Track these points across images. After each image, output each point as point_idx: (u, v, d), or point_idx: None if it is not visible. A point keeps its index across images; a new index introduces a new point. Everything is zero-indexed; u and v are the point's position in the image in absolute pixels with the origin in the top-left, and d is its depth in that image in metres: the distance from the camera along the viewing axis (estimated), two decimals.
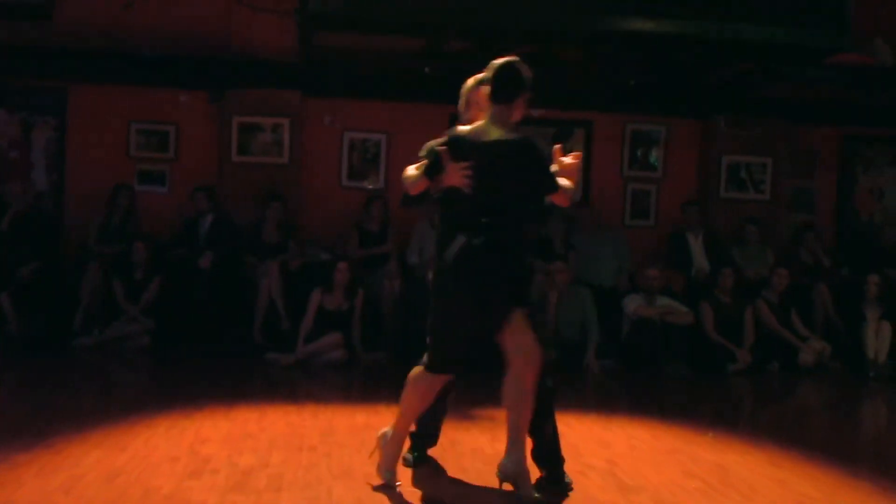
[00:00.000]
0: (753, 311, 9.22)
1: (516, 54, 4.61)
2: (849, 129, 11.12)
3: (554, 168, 4.57)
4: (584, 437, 5.92)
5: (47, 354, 8.41)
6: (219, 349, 8.75)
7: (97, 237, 9.39)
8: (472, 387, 7.63)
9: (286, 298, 8.96)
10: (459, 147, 4.47)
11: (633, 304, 9.03)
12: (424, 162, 4.59)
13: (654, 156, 10.78)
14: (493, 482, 4.81)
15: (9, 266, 8.95)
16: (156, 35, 9.67)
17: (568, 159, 4.66)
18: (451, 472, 4.99)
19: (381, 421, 5.66)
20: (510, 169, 4.43)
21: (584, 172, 10.65)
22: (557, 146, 4.78)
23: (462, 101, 4.87)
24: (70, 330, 8.80)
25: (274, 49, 9.72)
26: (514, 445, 4.45)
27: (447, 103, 10.34)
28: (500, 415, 6.40)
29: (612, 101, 10.47)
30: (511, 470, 4.44)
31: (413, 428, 4.90)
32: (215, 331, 9.04)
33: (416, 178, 4.59)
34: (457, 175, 4.42)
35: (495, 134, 4.45)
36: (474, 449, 5.49)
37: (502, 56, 4.61)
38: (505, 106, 4.49)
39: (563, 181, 4.55)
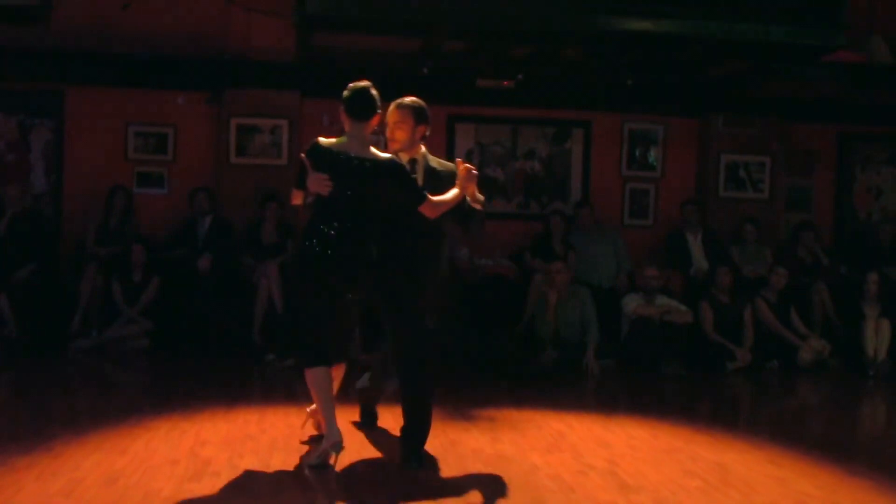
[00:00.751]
0: (753, 310, 9.23)
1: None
2: (846, 128, 11.12)
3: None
4: (584, 437, 5.93)
5: (45, 357, 8.40)
6: (218, 351, 8.75)
7: (95, 239, 9.38)
8: (472, 387, 7.66)
9: (285, 299, 8.96)
10: (320, 157, 4.99)
11: (632, 303, 9.03)
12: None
13: (653, 155, 10.79)
14: (496, 481, 4.82)
15: (7, 268, 8.94)
16: (153, 36, 9.66)
17: (461, 169, 5.13)
18: (452, 472, 5.00)
19: (381, 420, 5.67)
20: (375, 185, 4.98)
21: (583, 172, 10.69)
22: (459, 159, 5.30)
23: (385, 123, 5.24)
24: (68, 332, 8.79)
25: (272, 50, 9.72)
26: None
27: (445, 104, 10.46)
28: (501, 415, 6.45)
29: (609, 100, 10.47)
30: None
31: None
32: (214, 332, 9.04)
33: (293, 191, 5.13)
34: (316, 182, 4.93)
35: (358, 149, 4.99)
36: (475, 449, 5.49)
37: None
38: (363, 123, 5.03)
39: (454, 191, 5.10)
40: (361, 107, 5.04)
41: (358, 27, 8.66)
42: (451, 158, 10.34)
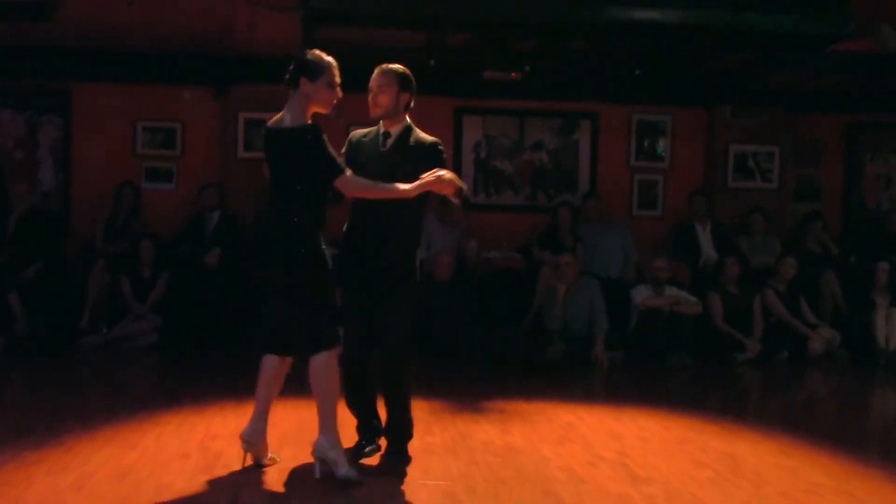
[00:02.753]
0: (762, 301, 9.21)
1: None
2: (855, 117, 11.08)
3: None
4: (594, 429, 5.92)
5: (55, 353, 8.42)
6: (227, 345, 8.77)
7: (103, 236, 9.39)
8: (481, 380, 7.66)
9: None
10: (265, 137, 4.78)
11: (640, 294, 9.01)
12: None
13: (661, 146, 10.76)
14: (505, 475, 4.82)
15: (16, 266, 8.97)
16: (159, 33, 9.67)
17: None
18: (463, 464, 5.00)
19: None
20: (292, 155, 4.65)
21: (591, 163, 10.67)
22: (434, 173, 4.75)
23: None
24: (78, 329, 8.82)
25: (277, 44, 9.68)
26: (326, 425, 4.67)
27: (451, 96, 10.43)
28: (510, 407, 6.44)
29: (617, 91, 10.44)
30: (322, 448, 4.63)
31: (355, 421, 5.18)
32: (223, 327, 9.06)
33: None
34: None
35: (285, 121, 4.70)
36: (485, 441, 5.49)
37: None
38: (293, 91, 4.69)
39: (405, 186, 4.68)
40: (290, 73, 4.71)
41: (363, 21, 8.66)
42: (458, 151, 10.47)
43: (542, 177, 10.63)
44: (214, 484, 4.52)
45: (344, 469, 4.57)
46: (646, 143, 10.75)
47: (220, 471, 4.74)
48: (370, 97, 4.96)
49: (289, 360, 4.98)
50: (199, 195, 9.67)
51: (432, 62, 9.32)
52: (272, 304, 4.88)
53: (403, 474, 4.78)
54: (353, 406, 5.19)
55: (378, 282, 4.89)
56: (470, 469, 4.91)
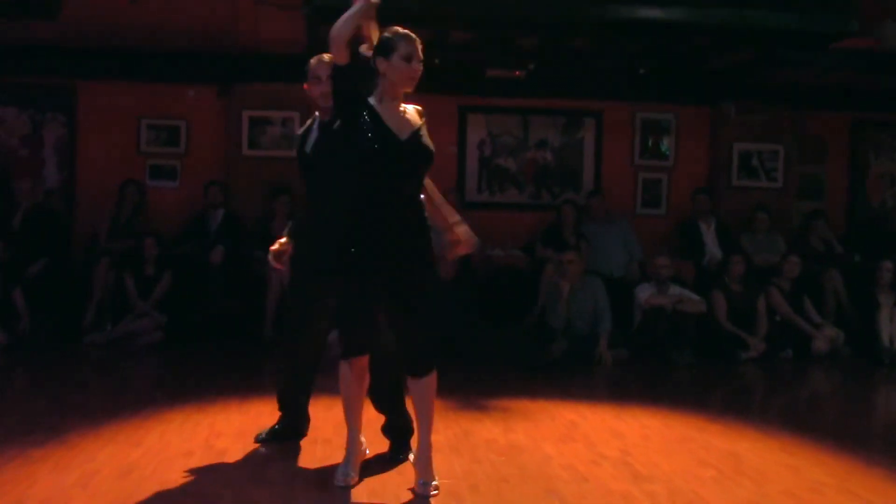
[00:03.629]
0: (766, 299, 9.20)
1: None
2: (859, 115, 11.06)
3: None
4: (596, 428, 5.92)
5: (59, 351, 8.44)
6: (230, 343, 8.78)
7: (107, 233, 9.41)
8: (483, 379, 7.67)
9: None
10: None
11: (644, 293, 9.01)
12: None
13: (665, 144, 10.75)
14: (508, 473, 4.82)
15: (20, 263, 8.99)
16: (163, 31, 9.69)
17: None
18: (465, 462, 5.00)
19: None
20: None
21: (595, 161, 10.67)
22: None
23: None
24: (81, 326, 8.83)
25: (281, 42, 9.72)
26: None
27: (455, 94, 10.43)
28: (513, 406, 6.45)
29: (620, 89, 10.44)
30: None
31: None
32: (227, 325, 9.07)
33: None
34: None
35: None
36: (488, 440, 5.50)
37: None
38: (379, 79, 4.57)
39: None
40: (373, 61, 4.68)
41: None
42: (462, 149, 10.47)
43: (546, 175, 10.63)
44: (218, 482, 4.53)
45: (338, 472, 4.59)
46: (650, 142, 10.75)
47: (224, 468, 4.75)
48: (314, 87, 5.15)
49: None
50: (204, 192, 9.68)
51: (436, 60, 9.32)
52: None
53: (407, 472, 4.78)
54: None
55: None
56: (473, 467, 4.91)
